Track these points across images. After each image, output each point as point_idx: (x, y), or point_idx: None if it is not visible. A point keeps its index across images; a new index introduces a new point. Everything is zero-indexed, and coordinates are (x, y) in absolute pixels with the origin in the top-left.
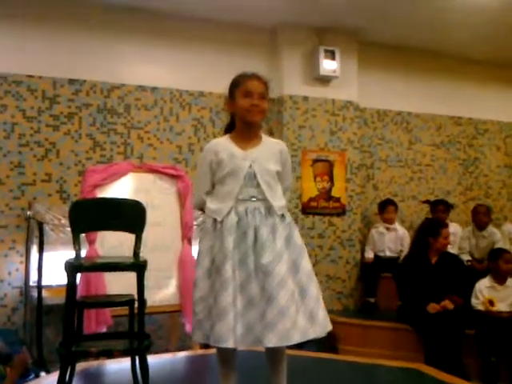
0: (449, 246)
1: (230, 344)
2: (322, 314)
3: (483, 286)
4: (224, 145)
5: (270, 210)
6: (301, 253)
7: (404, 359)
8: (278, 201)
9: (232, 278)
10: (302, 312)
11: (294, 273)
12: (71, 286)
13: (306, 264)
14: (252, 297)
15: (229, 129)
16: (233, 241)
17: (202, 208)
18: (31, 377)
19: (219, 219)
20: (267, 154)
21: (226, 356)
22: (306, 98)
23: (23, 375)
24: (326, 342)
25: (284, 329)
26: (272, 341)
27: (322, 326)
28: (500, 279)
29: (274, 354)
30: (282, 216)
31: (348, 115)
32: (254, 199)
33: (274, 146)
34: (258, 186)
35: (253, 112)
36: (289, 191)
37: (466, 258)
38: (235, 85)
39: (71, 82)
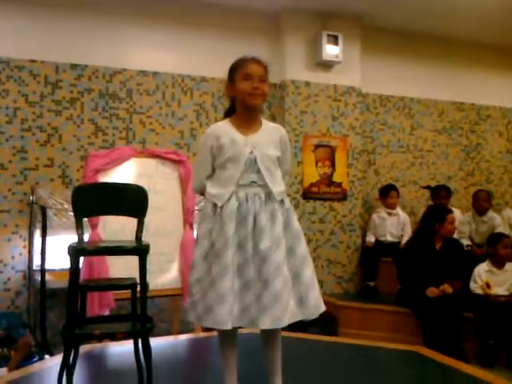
0: None
1: (228, 326)
2: (315, 297)
3: (482, 270)
4: (225, 129)
5: (269, 195)
6: (297, 238)
7: (403, 342)
8: (278, 186)
9: (231, 263)
10: (293, 296)
11: (289, 257)
12: (74, 269)
13: (302, 249)
14: (248, 279)
15: (229, 113)
16: (233, 226)
17: (201, 192)
18: (35, 359)
19: (220, 204)
20: (267, 139)
21: (227, 337)
22: (308, 84)
23: (27, 358)
24: (327, 326)
25: (277, 312)
26: (266, 323)
27: (315, 307)
28: (498, 264)
29: (269, 334)
30: (281, 201)
31: (350, 101)
32: (255, 185)
33: (273, 131)
34: (259, 171)
35: (254, 95)
36: (287, 175)
37: (465, 242)
38: (235, 69)
39: (73, 66)
